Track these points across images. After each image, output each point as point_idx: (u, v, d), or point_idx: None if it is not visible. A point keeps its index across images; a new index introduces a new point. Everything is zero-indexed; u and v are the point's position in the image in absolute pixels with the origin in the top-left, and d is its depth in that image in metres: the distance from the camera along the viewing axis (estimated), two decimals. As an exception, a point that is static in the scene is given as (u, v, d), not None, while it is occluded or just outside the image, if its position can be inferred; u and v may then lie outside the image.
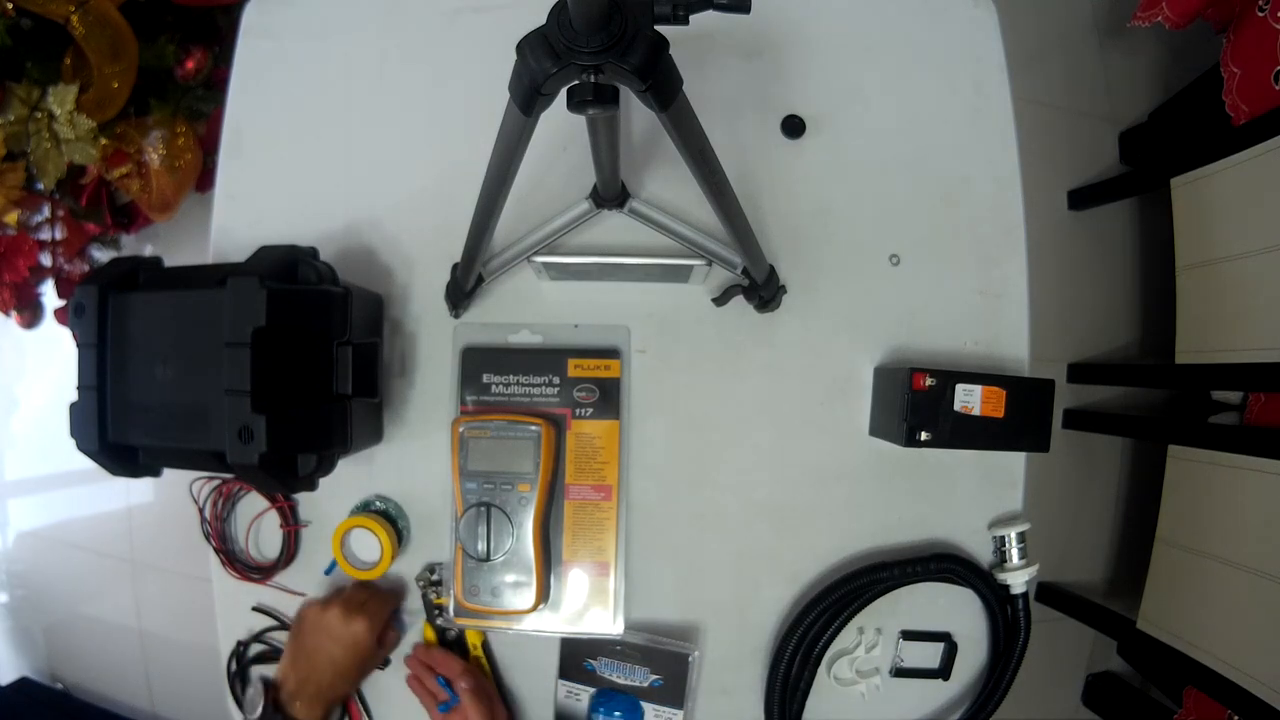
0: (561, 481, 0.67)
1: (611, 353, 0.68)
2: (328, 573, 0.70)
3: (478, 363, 0.68)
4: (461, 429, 0.65)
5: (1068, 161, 1.50)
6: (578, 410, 0.68)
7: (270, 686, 0.64)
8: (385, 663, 0.69)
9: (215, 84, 1.30)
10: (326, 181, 0.72)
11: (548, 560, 0.66)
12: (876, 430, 0.68)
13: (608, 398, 0.68)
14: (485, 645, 0.69)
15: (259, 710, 0.62)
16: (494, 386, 0.68)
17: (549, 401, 0.68)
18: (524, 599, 0.64)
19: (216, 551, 0.71)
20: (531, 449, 0.64)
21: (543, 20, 0.34)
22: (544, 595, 0.65)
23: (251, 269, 0.53)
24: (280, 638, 0.71)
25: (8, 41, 1.08)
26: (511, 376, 0.68)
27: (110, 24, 1.10)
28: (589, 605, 0.67)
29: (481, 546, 0.63)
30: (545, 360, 0.68)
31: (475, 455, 0.64)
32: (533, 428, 0.64)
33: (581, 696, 0.68)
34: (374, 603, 0.66)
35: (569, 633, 0.67)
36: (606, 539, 0.67)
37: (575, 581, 0.67)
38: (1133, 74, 1.51)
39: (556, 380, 0.68)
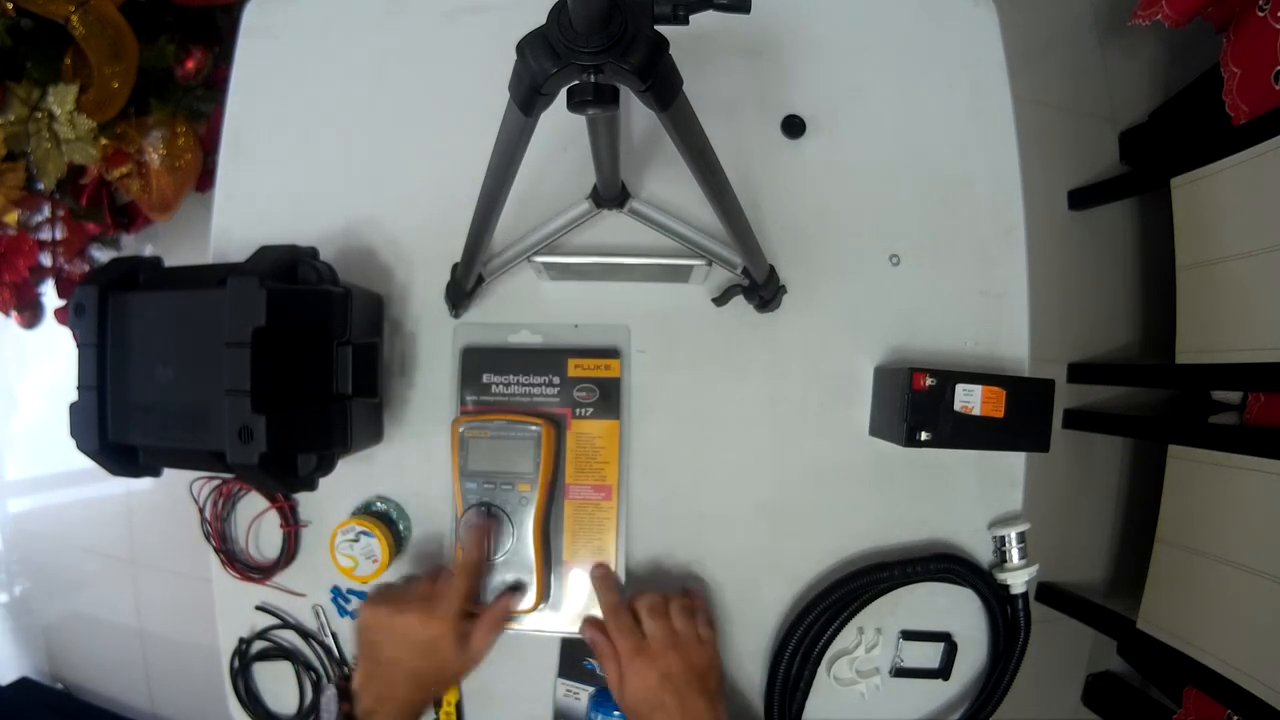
0: (562, 481, 0.67)
1: (611, 353, 0.68)
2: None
3: (478, 363, 0.68)
4: (461, 429, 0.65)
5: (1068, 161, 1.50)
6: (578, 410, 0.68)
7: (345, 698, 0.59)
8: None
9: (215, 84, 1.30)
10: (326, 181, 0.72)
11: (548, 560, 0.66)
12: (876, 430, 0.68)
13: (608, 397, 0.68)
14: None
15: None
16: (494, 386, 0.68)
17: (549, 401, 0.68)
18: (524, 599, 0.64)
19: (216, 551, 0.71)
20: (531, 449, 0.64)
21: (543, 20, 0.34)
22: (544, 595, 0.65)
23: (251, 269, 0.53)
24: (283, 636, 0.71)
25: (8, 41, 1.08)
26: (511, 376, 0.68)
27: (110, 24, 1.10)
28: (589, 605, 0.67)
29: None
30: (545, 360, 0.68)
31: (475, 455, 0.64)
32: (533, 428, 0.64)
33: (581, 696, 0.68)
34: (446, 601, 0.58)
35: (569, 633, 0.67)
36: (606, 539, 0.67)
37: (575, 581, 0.67)
38: (1133, 74, 1.51)
39: (556, 380, 0.68)
